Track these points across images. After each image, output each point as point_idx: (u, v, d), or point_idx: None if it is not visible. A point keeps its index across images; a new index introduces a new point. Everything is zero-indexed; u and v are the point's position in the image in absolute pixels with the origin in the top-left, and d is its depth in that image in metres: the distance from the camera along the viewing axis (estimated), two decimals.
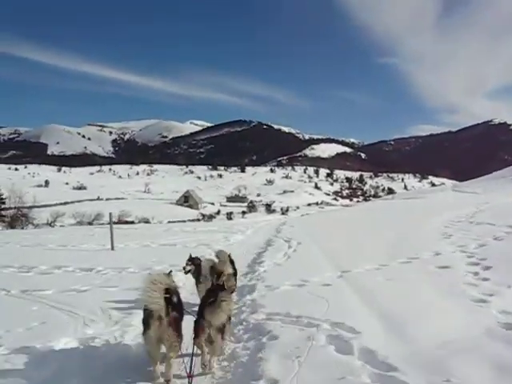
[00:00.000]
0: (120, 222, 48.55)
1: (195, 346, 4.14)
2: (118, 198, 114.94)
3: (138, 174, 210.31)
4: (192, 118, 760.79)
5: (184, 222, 60.87)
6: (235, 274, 6.27)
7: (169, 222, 57.74)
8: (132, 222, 51.39)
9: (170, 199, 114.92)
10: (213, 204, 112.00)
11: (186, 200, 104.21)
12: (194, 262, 6.41)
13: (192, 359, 3.97)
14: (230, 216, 63.03)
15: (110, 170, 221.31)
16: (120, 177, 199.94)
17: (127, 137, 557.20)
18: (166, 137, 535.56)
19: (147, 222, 54.22)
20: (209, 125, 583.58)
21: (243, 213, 68.65)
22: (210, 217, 62.73)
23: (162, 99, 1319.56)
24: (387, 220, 18.77)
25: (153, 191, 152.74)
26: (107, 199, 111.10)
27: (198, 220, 61.97)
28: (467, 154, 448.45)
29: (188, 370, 3.86)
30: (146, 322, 3.94)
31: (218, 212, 73.00)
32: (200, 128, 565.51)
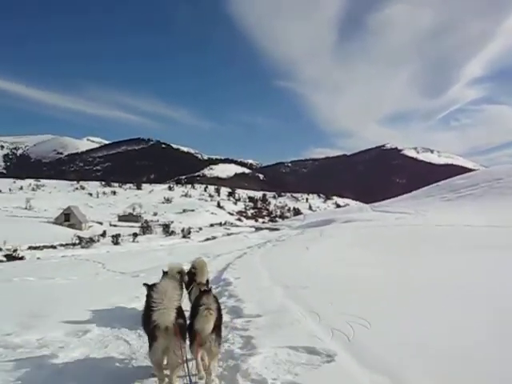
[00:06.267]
0: None
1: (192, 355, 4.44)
2: None
3: (21, 188, 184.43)
4: (89, 134, 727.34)
5: (54, 247, 46.44)
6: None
7: (30, 247, 43.04)
8: None
9: (53, 217, 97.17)
10: (101, 224, 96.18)
11: (67, 218, 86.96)
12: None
13: (188, 368, 4.04)
14: (116, 240, 49.46)
15: None
16: (0, 191, 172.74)
17: (20, 152, 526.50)
18: (61, 153, 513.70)
19: None
20: (106, 142, 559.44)
21: (135, 235, 55.28)
22: (91, 240, 48.63)
23: (58, 114, 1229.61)
24: None
25: (36, 208, 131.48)
26: None
27: (73, 244, 47.68)
28: (362, 176, 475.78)
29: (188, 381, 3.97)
30: (153, 334, 4.00)
31: (104, 233, 58.75)
32: (97, 145, 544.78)
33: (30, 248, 42.78)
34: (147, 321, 4.17)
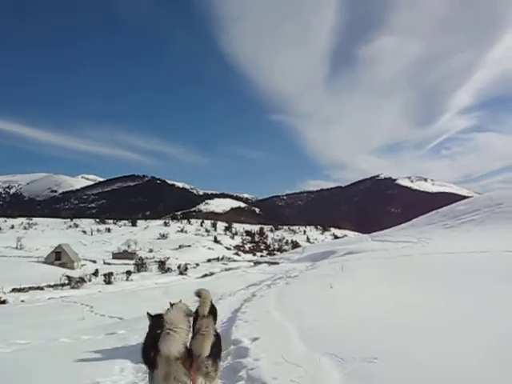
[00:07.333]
0: None
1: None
2: None
3: (12, 227, 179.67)
4: (83, 172, 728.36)
5: (41, 288, 43.31)
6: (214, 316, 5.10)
7: (14, 289, 39.94)
8: None
9: (44, 256, 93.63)
10: (94, 262, 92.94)
11: (58, 257, 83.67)
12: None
13: None
14: (109, 279, 46.42)
15: None
16: None
17: (13, 191, 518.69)
18: (55, 191, 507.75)
19: None
20: (101, 179, 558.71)
21: (128, 273, 52.22)
22: (81, 280, 45.54)
23: (52, 152, 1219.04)
24: None
25: (27, 247, 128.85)
26: None
27: (62, 285, 44.56)
28: (358, 207, 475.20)
29: None
30: (154, 361, 3.78)
31: (96, 272, 55.60)
32: (92, 183, 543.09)
33: (13, 290, 39.69)
34: (149, 349, 3.85)
